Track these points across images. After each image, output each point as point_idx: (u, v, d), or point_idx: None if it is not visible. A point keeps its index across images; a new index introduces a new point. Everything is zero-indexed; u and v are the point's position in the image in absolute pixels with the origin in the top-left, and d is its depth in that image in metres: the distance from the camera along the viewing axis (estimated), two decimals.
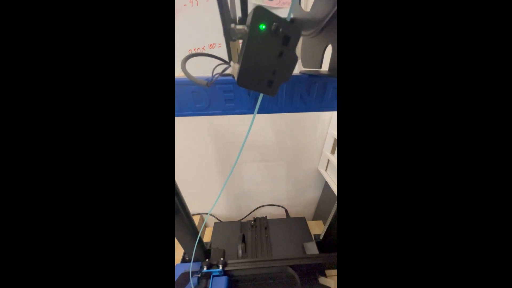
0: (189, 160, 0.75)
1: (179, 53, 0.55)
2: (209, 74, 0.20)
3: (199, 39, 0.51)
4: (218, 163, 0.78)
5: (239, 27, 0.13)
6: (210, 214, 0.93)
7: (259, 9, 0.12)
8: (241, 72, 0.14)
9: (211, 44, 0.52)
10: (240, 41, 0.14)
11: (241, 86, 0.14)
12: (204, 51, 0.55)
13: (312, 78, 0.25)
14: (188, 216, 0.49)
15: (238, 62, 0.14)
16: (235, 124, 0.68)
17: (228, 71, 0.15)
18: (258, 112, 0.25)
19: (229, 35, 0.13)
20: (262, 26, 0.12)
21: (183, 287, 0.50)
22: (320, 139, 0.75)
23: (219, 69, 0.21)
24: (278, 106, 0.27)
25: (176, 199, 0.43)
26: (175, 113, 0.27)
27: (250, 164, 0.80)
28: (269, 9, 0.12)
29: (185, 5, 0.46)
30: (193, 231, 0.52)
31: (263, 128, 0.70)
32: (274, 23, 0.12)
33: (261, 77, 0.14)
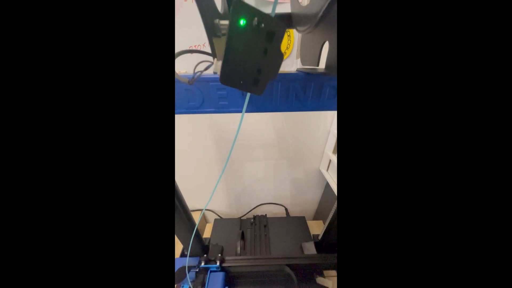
0: (191, 158, 0.76)
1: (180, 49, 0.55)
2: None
3: (200, 36, 0.51)
4: (219, 160, 0.78)
5: (223, 22, 0.12)
6: (212, 211, 0.94)
7: (238, 3, 0.11)
8: (223, 69, 0.13)
9: None
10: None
11: (224, 84, 0.14)
12: (204, 48, 0.54)
13: (308, 76, 0.24)
14: (186, 211, 0.50)
15: (221, 59, 0.14)
16: (236, 122, 0.68)
17: (211, 69, 0.14)
18: (254, 111, 0.25)
19: (212, 31, 0.12)
20: (243, 21, 0.12)
21: (180, 281, 0.51)
22: (322, 138, 0.74)
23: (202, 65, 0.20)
24: (273, 104, 0.26)
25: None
26: None
27: (251, 162, 0.80)
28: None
29: (185, 0, 0.45)
30: (191, 226, 0.52)
31: (265, 126, 0.70)
32: (255, 18, 0.12)
33: (246, 75, 0.14)
